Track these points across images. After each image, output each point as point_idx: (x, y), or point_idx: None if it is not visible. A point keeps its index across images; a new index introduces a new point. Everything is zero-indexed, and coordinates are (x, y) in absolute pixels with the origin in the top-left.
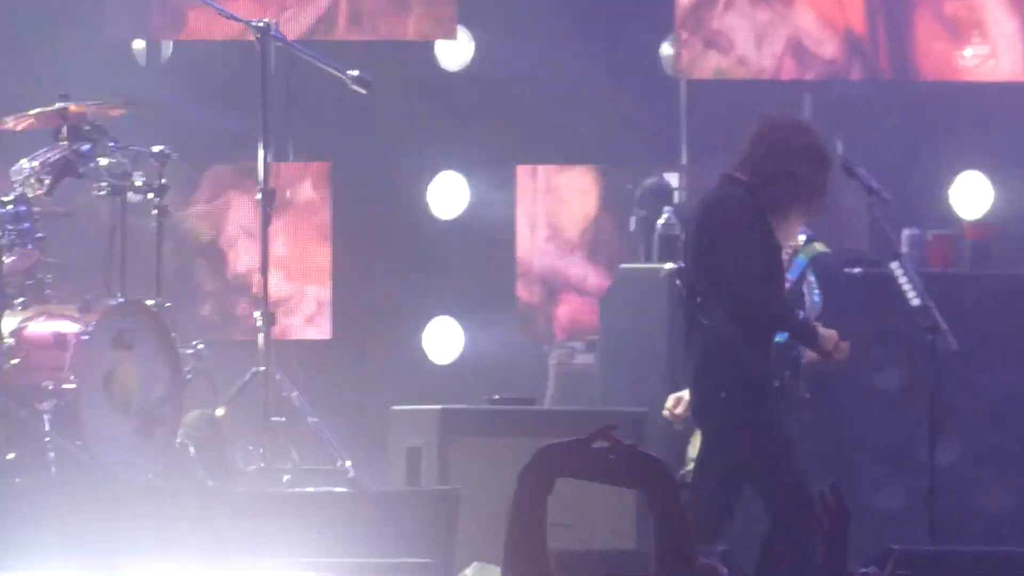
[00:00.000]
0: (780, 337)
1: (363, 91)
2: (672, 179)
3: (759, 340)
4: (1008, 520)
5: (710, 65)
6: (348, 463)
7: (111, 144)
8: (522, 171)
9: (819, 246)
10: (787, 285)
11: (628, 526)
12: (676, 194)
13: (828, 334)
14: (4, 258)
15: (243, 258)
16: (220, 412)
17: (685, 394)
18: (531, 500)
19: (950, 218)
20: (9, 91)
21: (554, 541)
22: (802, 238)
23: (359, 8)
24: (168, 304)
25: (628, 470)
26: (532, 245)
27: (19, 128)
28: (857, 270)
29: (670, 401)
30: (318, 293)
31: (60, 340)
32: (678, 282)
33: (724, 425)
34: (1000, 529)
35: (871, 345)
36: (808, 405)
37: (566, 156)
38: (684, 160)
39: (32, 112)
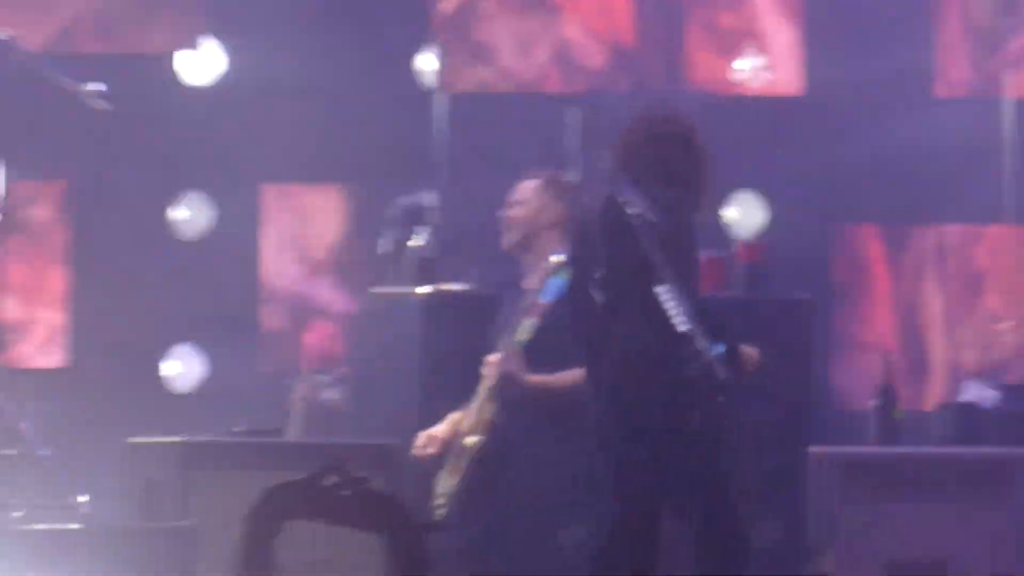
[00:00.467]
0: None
1: (103, 106)
2: (429, 199)
3: None
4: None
5: (471, 78)
6: (83, 498)
7: None
8: (268, 190)
9: None
10: (543, 308)
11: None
12: (433, 214)
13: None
14: None
15: None
16: None
17: (437, 431)
18: (256, 544)
19: (722, 239)
20: None
21: None
22: (558, 259)
23: (104, 19)
24: None
25: (363, 511)
26: (278, 268)
27: None
28: None
29: (421, 439)
30: (53, 318)
31: None
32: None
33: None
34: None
35: None
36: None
37: (315, 175)
38: (443, 178)
39: None
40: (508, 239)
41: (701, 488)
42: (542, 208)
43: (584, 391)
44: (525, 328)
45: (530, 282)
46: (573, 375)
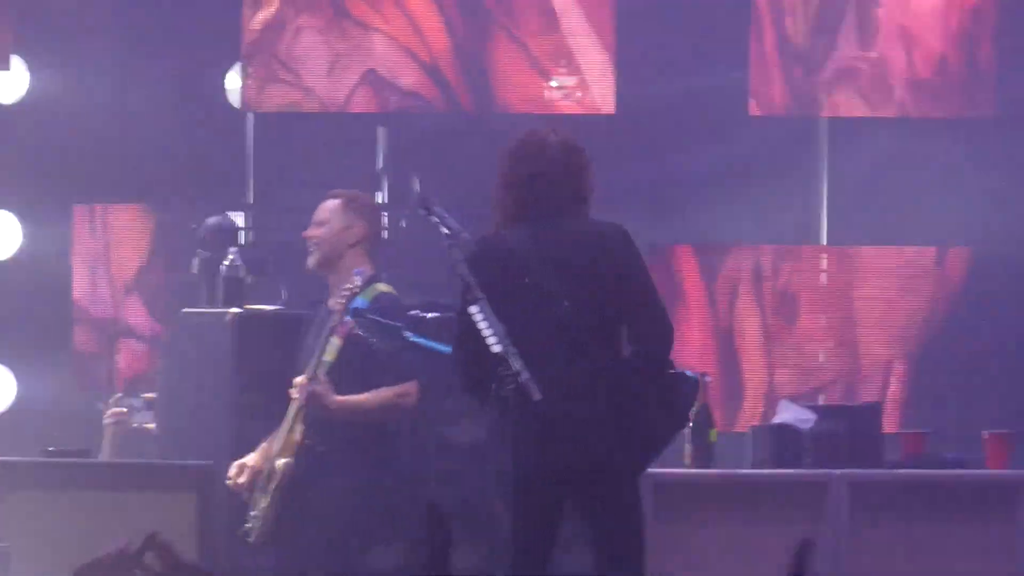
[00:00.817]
0: None
1: None
2: (238, 218)
3: None
4: None
5: (278, 98)
6: None
7: None
8: (78, 210)
9: (382, 287)
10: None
11: None
12: (242, 234)
13: None
14: None
15: None
16: None
17: (248, 460)
18: None
19: None
20: None
21: None
22: (358, 279)
23: None
24: None
25: None
26: (90, 289)
27: None
28: (433, 315)
29: (233, 470)
30: None
31: None
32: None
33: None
34: None
35: (444, 397)
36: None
37: (125, 194)
38: (251, 198)
39: None
40: (311, 259)
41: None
42: (344, 227)
43: (391, 413)
44: (331, 348)
45: (335, 302)
46: (381, 396)
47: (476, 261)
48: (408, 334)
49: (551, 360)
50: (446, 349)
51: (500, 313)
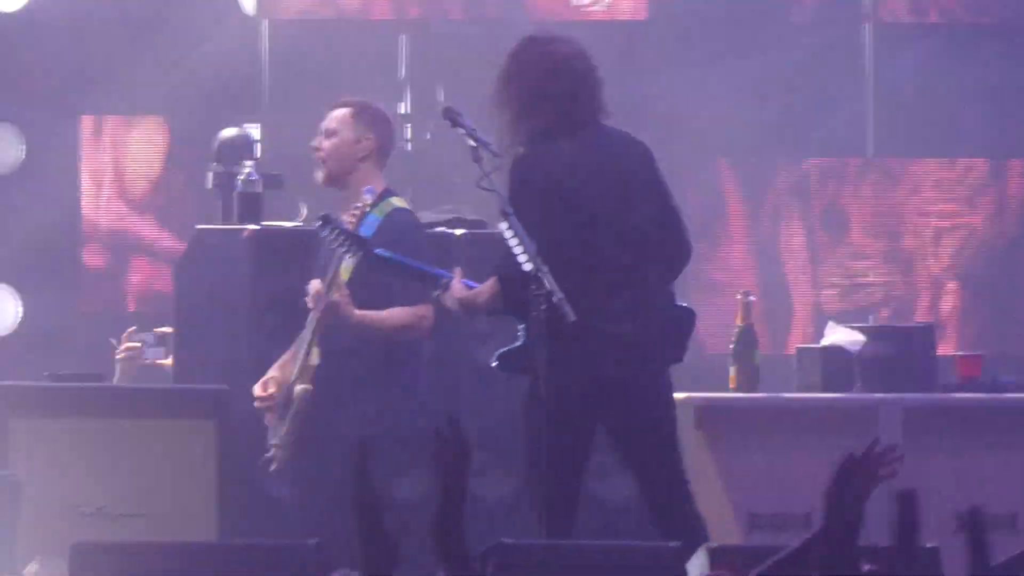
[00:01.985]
0: None
1: None
2: (254, 130)
3: None
4: (623, 512)
5: (294, 4)
6: None
7: None
8: (87, 122)
9: (397, 201)
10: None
11: (208, 514)
12: (258, 147)
13: None
14: None
15: None
16: None
17: (270, 376)
18: None
19: None
20: None
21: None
22: (368, 197)
23: None
24: None
25: None
26: (98, 204)
27: None
28: (460, 232)
29: (257, 389)
30: None
31: None
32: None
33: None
34: (616, 521)
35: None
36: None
37: (137, 106)
38: (266, 109)
39: None
40: (319, 174)
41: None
42: (354, 140)
43: (408, 333)
44: (345, 268)
45: (347, 219)
46: (398, 314)
47: (517, 179)
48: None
49: (591, 279)
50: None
51: (541, 233)
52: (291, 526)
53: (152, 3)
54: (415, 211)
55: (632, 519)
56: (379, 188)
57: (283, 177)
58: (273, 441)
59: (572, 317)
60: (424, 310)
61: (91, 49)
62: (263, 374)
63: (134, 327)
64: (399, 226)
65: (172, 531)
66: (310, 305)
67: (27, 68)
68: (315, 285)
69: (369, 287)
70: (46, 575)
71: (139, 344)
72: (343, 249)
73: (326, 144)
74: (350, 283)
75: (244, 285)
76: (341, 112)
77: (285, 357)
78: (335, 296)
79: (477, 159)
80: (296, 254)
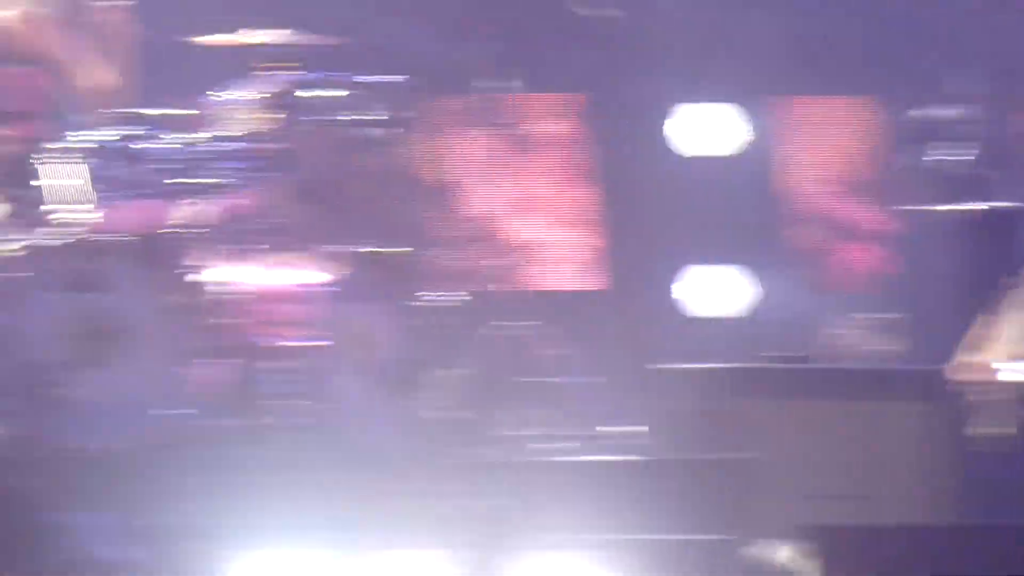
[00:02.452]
0: None
1: (615, 17)
2: (965, 110)
3: None
4: None
5: None
6: (640, 428)
7: (339, 76)
8: (799, 103)
9: None
10: None
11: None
12: (972, 128)
13: None
14: (230, 200)
15: (488, 201)
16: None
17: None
18: None
19: None
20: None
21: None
22: None
23: None
24: (409, 253)
25: None
26: (809, 185)
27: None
28: None
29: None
30: (581, 239)
31: (291, 294)
32: None
33: None
34: None
35: None
36: None
37: (842, 86)
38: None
39: (256, 39)
40: None
41: None
42: None
43: None
44: None
45: None
46: None
47: None
48: None
49: None
50: None
51: None
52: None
53: None
54: None
55: None
56: None
57: (1001, 158)
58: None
59: None
60: None
61: (798, 30)
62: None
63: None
64: None
65: (889, 513)
66: None
67: (737, 49)
68: None
69: None
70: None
71: (864, 329)
72: None
73: None
74: None
75: (959, 264)
76: None
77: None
78: None
79: None
80: (1014, 234)
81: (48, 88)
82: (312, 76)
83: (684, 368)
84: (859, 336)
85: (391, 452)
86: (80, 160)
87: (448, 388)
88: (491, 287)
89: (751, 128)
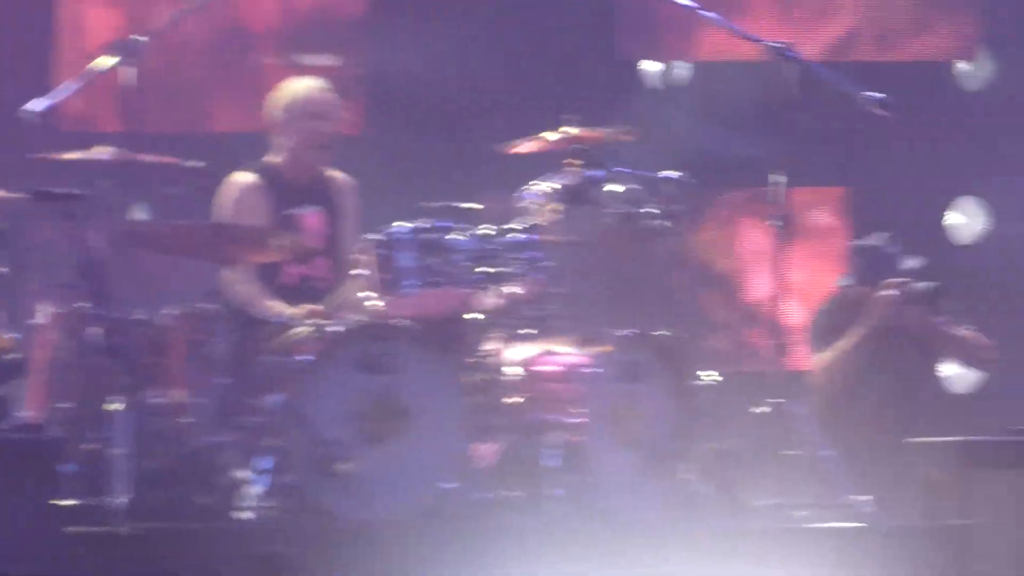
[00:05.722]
0: None
1: (884, 113)
2: None
3: None
4: None
5: None
6: (864, 497)
7: (622, 170)
8: None
9: None
10: None
11: None
12: None
13: None
14: (509, 288)
15: (756, 286)
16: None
17: None
18: None
19: None
20: (515, 114)
21: None
22: None
23: (881, 28)
24: (680, 335)
25: None
26: None
27: (527, 151)
28: None
29: None
30: None
31: (568, 373)
32: None
33: None
34: None
35: None
36: None
37: None
38: None
39: (542, 136)
40: None
41: None
42: None
43: None
44: None
45: None
46: None
47: None
48: None
49: None
50: None
51: None
52: None
53: None
54: None
55: None
56: None
57: None
58: None
59: None
60: None
61: None
62: None
63: None
64: None
65: None
66: None
67: (990, 143)
68: None
69: None
70: None
71: None
72: None
73: None
74: None
75: None
76: None
77: None
78: None
79: None
80: None
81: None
82: (599, 172)
83: (939, 440)
84: None
85: (652, 522)
86: (386, 252)
87: (712, 462)
88: (758, 367)
89: (995, 217)
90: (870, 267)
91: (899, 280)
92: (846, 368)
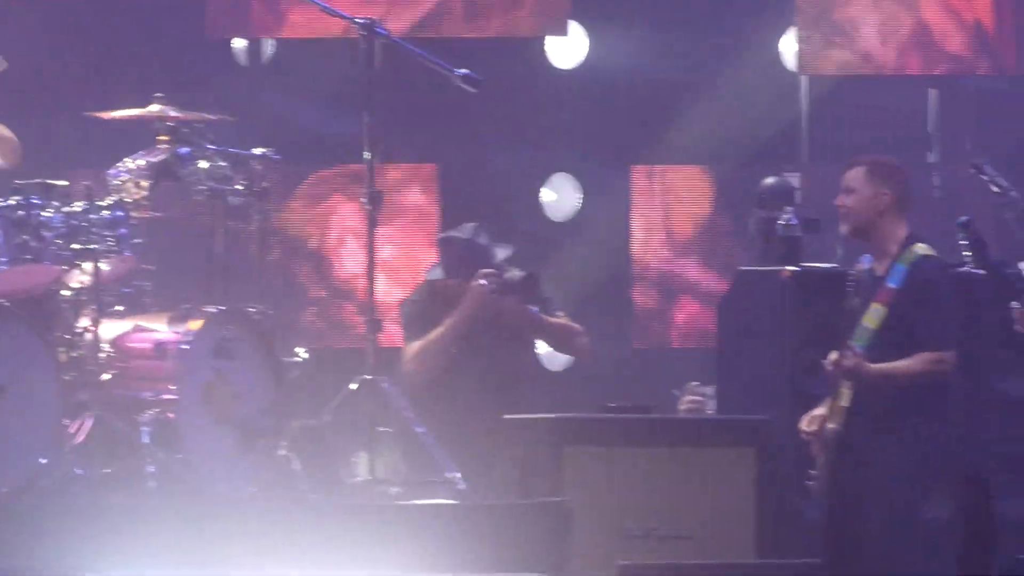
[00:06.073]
0: None
1: (472, 90)
2: (793, 179)
3: None
4: None
5: (832, 60)
6: (457, 475)
7: (210, 147)
8: (637, 171)
9: (921, 248)
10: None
11: (746, 536)
12: (797, 194)
13: None
14: (100, 265)
15: (348, 263)
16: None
17: (818, 411)
18: None
19: None
20: (106, 89)
21: (669, 555)
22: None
23: (471, 3)
24: (270, 311)
25: None
26: (647, 248)
27: (119, 119)
28: (982, 271)
29: (804, 421)
30: None
31: (159, 350)
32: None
33: None
34: None
35: (997, 348)
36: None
37: (681, 155)
38: (804, 158)
39: (129, 112)
40: (843, 227)
41: None
42: (872, 195)
43: (925, 379)
44: (873, 315)
45: (877, 268)
46: (915, 363)
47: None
48: None
49: None
50: None
51: None
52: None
53: (701, 58)
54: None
55: None
56: (902, 236)
57: (820, 222)
58: (813, 471)
59: None
60: (946, 356)
61: (642, 101)
62: (800, 406)
63: (697, 382)
64: (925, 273)
65: (712, 553)
66: (829, 369)
67: (583, 120)
68: (832, 357)
69: (894, 333)
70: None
71: (701, 397)
72: (995, 197)
73: (847, 201)
74: (878, 330)
75: (783, 322)
76: (857, 171)
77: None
78: (847, 361)
79: (1000, 204)
80: (833, 294)
81: None
82: (185, 149)
83: (532, 418)
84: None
85: (244, 498)
86: None
87: (304, 438)
88: (350, 343)
89: (589, 194)
90: (460, 259)
91: (489, 272)
92: (439, 358)
